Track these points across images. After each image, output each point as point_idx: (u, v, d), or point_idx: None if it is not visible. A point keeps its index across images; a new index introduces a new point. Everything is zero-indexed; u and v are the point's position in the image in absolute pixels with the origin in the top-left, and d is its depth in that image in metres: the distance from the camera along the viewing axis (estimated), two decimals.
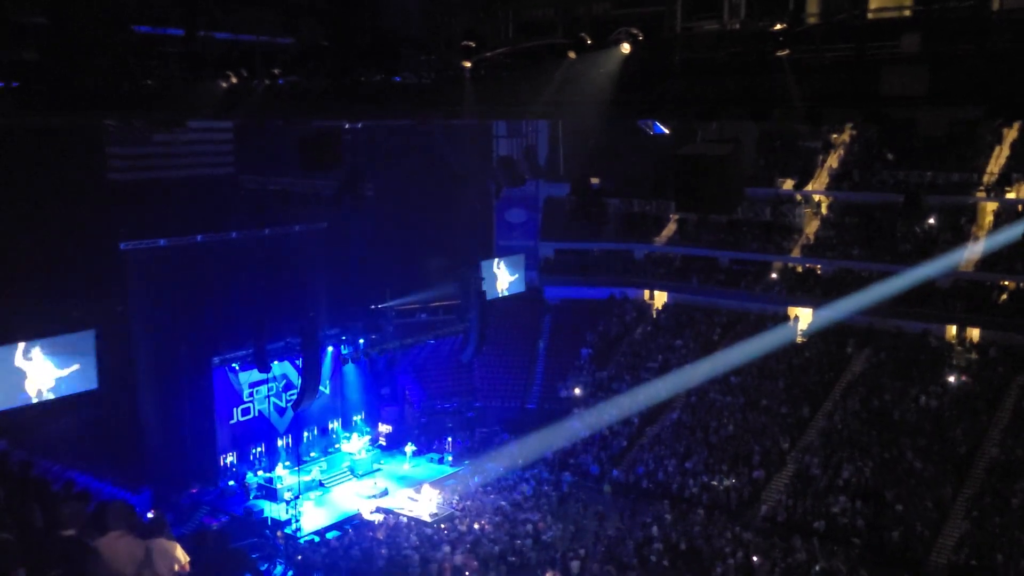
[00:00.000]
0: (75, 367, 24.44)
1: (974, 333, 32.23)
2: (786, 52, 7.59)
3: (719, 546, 24.64)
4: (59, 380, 24.19)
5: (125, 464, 25.36)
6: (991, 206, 33.22)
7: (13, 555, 8.75)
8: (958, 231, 33.28)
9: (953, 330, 32.62)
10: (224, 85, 12.96)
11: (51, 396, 24.08)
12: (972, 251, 32.34)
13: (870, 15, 7.81)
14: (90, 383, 24.66)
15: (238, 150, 28.10)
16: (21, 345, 22.89)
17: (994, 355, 30.83)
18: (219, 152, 27.73)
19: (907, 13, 7.84)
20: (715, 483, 28.36)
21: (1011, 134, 33.34)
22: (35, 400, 23.56)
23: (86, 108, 15.68)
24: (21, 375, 23.10)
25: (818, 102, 8.10)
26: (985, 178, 32.37)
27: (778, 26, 7.45)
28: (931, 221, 33.90)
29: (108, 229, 26.15)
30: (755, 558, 23.84)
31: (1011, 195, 32.33)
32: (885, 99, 7.72)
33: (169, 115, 14.94)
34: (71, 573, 9.00)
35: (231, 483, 28.91)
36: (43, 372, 23.85)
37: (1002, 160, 33.38)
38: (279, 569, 23.98)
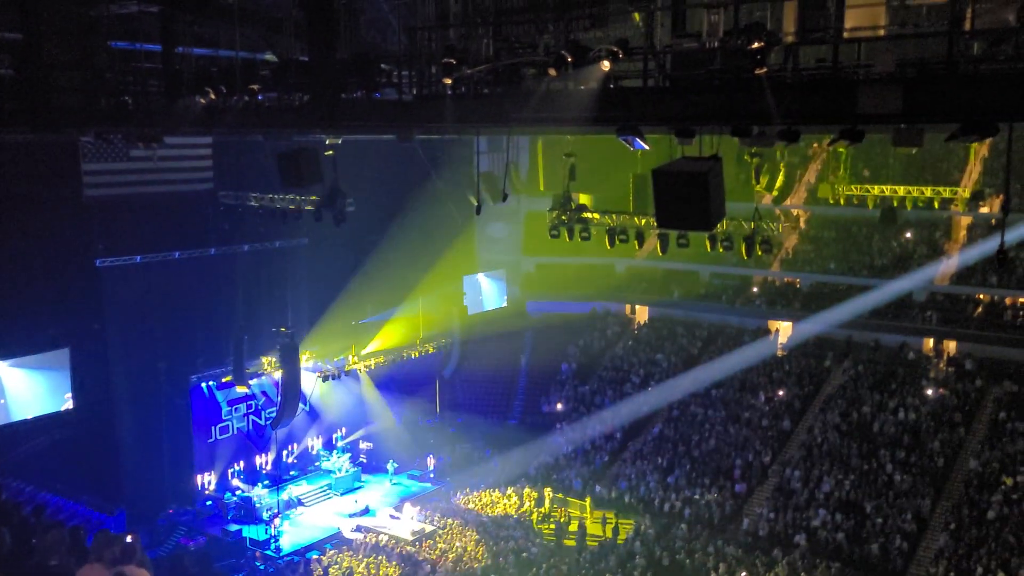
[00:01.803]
0: (50, 386, 24.07)
1: (950, 345, 32.63)
2: (764, 70, 7.67)
3: (701, 560, 24.63)
4: (33, 399, 23.80)
5: (100, 484, 24.90)
6: (965, 220, 33.77)
7: None
8: (933, 245, 33.78)
9: (930, 343, 33.01)
10: (203, 101, 12.88)
11: (25, 416, 23.67)
12: (947, 265, 32.84)
13: (846, 34, 7.93)
14: (65, 402, 24.28)
15: (217, 166, 27.90)
16: None
17: (970, 367, 31.20)
18: (198, 168, 27.48)
19: (882, 32, 7.97)
20: (697, 497, 28.38)
21: (982, 150, 33.98)
22: (8, 420, 23.14)
23: (62, 124, 15.52)
24: None
25: (796, 119, 8.21)
26: (960, 193, 32.92)
27: (756, 44, 7.53)
28: (907, 235, 34.41)
29: (84, 246, 25.82)
30: (741, 573, 23.84)
31: (984, 210, 32.89)
32: (861, 116, 7.84)
33: (147, 131, 14.79)
34: None
35: (209, 503, 28.48)
36: (16, 391, 23.46)
37: (975, 176, 33.99)
38: None
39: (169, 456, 28.19)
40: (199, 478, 28.72)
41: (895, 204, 32.10)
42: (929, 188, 32.52)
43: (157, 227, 26.90)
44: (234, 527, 27.22)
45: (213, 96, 12.62)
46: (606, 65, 8.47)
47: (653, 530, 26.71)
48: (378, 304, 33.54)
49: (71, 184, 24.98)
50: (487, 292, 38.47)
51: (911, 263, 33.29)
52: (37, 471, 23.64)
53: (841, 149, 29.73)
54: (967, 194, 32.87)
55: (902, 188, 32.56)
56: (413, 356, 33.78)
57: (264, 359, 29.54)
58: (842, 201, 34.77)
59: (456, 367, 36.46)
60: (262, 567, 25.03)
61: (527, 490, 29.96)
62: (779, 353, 34.68)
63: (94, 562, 9.21)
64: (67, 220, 25.08)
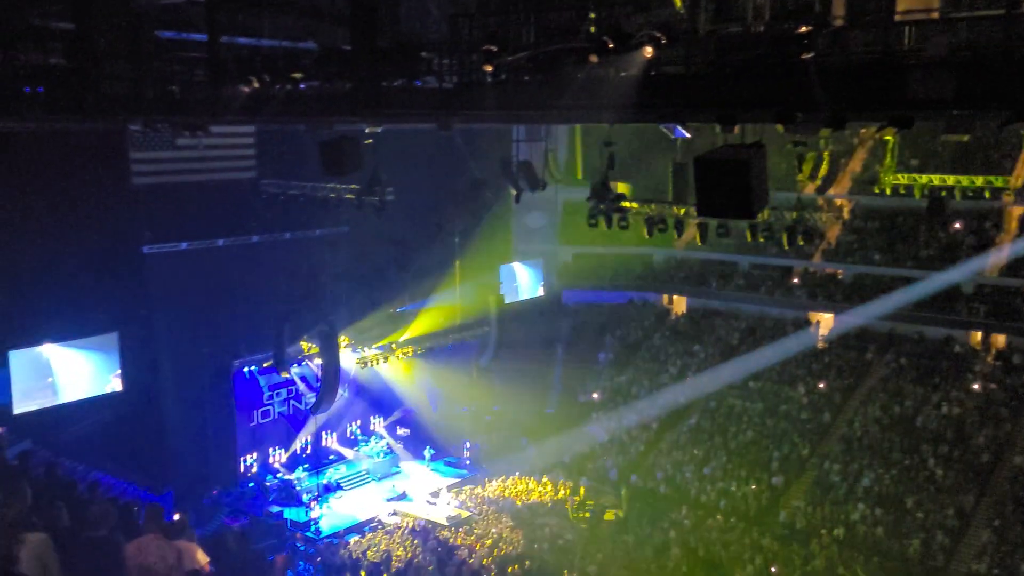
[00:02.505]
0: (99, 369, 24.72)
1: (999, 339, 31.79)
2: (811, 55, 7.52)
3: (737, 552, 24.47)
4: (83, 382, 24.45)
5: (148, 465, 25.51)
6: (1017, 211, 32.79)
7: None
8: (983, 236, 32.89)
9: (978, 336, 32.19)
10: (246, 90, 13.05)
11: (75, 397, 24.35)
12: (997, 256, 31.95)
13: (898, 17, 7.73)
14: (114, 385, 24.92)
15: (259, 155, 28.27)
16: (46, 347, 23.21)
17: (1018, 361, 30.39)
18: (241, 156, 27.87)
19: (935, 15, 7.75)
20: (733, 489, 28.16)
21: None
22: (60, 401, 23.83)
23: (110, 113, 15.84)
24: (46, 376, 23.39)
25: (843, 105, 8.03)
26: (1011, 182, 31.92)
27: (803, 28, 7.39)
28: (956, 226, 33.53)
29: (131, 233, 26.38)
30: (773, 567, 23.64)
31: None
32: (911, 102, 7.64)
33: (193, 120, 15.04)
34: (100, 573, 9.01)
35: (251, 485, 29.07)
36: (68, 374, 24.12)
37: None
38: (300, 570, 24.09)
39: (213, 438, 28.76)
40: (242, 460, 29.33)
41: (943, 194, 31.24)
42: (980, 178, 31.55)
43: (202, 215, 27.32)
44: (276, 509, 27.76)
45: (257, 84, 12.79)
46: (648, 51, 8.38)
47: (689, 521, 26.59)
48: (416, 292, 33.75)
49: (119, 172, 25.51)
50: (523, 281, 38.44)
51: (959, 254, 32.47)
52: (88, 450, 24.32)
53: (888, 137, 29.08)
54: (1020, 183, 31.86)
55: (951, 177, 31.64)
56: (450, 344, 33.94)
57: (304, 345, 29.96)
58: (888, 191, 33.95)
59: (493, 355, 36.53)
60: (303, 548, 25.49)
61: (562, 479, 30.02)
62: (819, 345, 34.16)
63: (150, 532, 9.43)
64: (115, 207, 25.60)
